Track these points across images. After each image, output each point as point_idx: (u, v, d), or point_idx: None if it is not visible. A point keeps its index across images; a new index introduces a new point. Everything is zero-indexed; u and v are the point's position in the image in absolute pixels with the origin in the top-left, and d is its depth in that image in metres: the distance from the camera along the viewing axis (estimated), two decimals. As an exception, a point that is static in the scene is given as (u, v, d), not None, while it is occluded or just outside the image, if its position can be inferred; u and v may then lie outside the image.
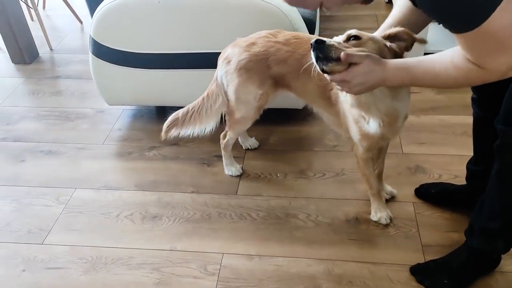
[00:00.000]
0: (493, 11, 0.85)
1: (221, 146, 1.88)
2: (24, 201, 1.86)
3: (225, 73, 1.66)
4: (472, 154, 1.58)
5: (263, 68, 1.60)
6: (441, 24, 0.96)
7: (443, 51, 1.07)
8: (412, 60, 1.13)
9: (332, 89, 1.51)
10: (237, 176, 1.92)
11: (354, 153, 1.59)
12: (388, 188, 1.76)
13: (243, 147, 2.05)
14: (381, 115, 1.33)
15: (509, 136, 1.15)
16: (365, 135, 1.45)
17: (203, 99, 1.76)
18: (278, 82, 1.64)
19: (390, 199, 1.74)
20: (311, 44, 1.13)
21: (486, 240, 1.35)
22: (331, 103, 1.54)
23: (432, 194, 1.73)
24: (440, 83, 1.12)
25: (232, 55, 1.64)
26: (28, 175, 2.00)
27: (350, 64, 1.13)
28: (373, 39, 1.21)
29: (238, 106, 1.70)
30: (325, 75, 1.18)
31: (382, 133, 1.40)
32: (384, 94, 1.27)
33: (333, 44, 1.13)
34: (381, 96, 1.27)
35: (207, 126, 1.79)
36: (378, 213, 1.65)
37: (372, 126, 1.38)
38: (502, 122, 1.15)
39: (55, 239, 1.69)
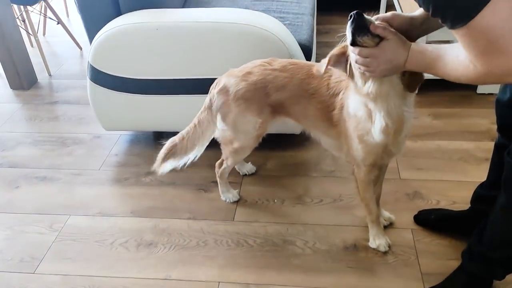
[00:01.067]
0: (484, 6, 0.83)
1: (216, 174, 1.87)
2: (17, 229, 1.83)
3: (222, 104, 1.65)
4: (472, 180, 1.57)
5: (261, 96, 1.60)
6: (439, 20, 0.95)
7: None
8: (430, 46, 1.14)
9: (333, 110, 1.51)
10: (234, 202, 1.90)
11: (355, 177, 1.58)
12: (386, 214, 1.74)
13: (240, 173, 2.04)
14: (388, 114, 1.32)
15: None
16: (369, 151, 1.44)
17: (195, 126, 1.75)
18: (277, 109, 1.64)
19: (388, 226, 1.72)
20: (351, 15, 1.15)
21: (486, 267, 1.33)
22: (332, 124, 1.54)
23: (431, 220, 1.71)
24: (448, 75, 1.10)
25: (228, 86, 1.63)
26: (22, 201, 1.98)
27: (379, 44, 1.15)
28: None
29: (237, 135, 1.69)
30: (354, 50, 1.20)
31: (386, 143, 1.39)
32: (396, 93, 1.28)
33: (371, 19, 1.17)
34: (394, 93, 1.28)
35: (198, 153, 1.78)
36: (377, 240, 1.63)
37: (378, 127, 1.36)
38: None
39: (47, 268, 1.66)
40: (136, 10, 2.00)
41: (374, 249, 1.63)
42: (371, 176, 1.55)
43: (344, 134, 1.51)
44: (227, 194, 1.90)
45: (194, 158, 1.79)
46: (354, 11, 1.16)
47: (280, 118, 1.69)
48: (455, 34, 0.94)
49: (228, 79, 1.64)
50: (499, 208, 1.23)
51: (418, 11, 1.27)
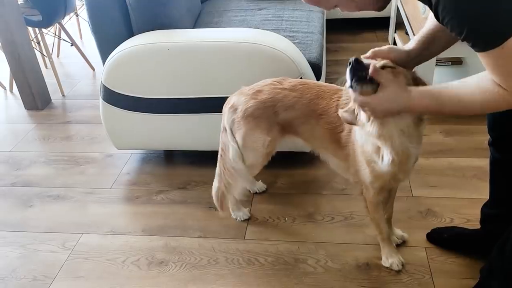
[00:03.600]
0: None
1: None
2: (31, 247, 1.85)
3: (232, 121, 1.66)
4: (486, 197, 1.55)
5: (270, 115, 1.61)
6: (464, 42, 0.96)
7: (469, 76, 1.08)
8: (436, 86, 1.14)
9: (341, 131, 1.52)
10: (245, 220, 1.89)
11: (364, 197, 1.57)
12: (399, 232, 1.72)
13: (251, 191, 2.04)
14: (394, 150, 1.31)
15: None
16: (377, 176, 1.44)
17: (221, 156, 1.75)
18: (286, 128, 1.65)
19: (401, 244, 1.70)
20: (350, 62, 1.17)
21: (507, 284, 1.30)
22: (340, 146, 1.54)
23: (445, 238, 1.69)
24: (465, 109, 1.10)
25: (238, 103, 1.64)
26: (35, 220, 1.99)
27: (377, 89, 1.16)
28: (404, 72, 1.24)
29: (247, 153, 1.70)
30: (353, 94, 1.21)
31: (393, 172, 1.38)
32: (402, 133, 1.27)
33: (370, 63, 1.18)
34: (398, 133, 1.27)
35: (247, 175, 1.76)
36: (390, 259, 1.61)
37: (385, 161, 1.36)
38: None
39: (60, 287, 1.66)
40: (148, 31, 2.05)
41: (387, 268, 1.61)
42: (380, 198, 1.54)
43: (352, 156, 1.51)
44: (237, 212, 1.90)
45: (251, 181, 1.85)
46: (353, 58, 1.17)
47: (289, 137, 1.69)
48: (484, 56, 0.95)
49: (238, 97, 1.66)
50: None
51: (412, 43, 1.29)
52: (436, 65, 2.47)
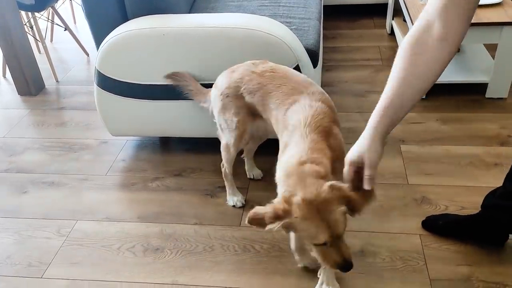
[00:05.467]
0: None
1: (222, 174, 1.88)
2: (25, 234, 1.84)
3: (213, 98, 1.71)
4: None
5: (238, 96, 1.60)
6: None
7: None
8: (378, 111, 1.07)
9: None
10: (240, 207, 1.89)
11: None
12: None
13: (247, 176, 2.04)
14: None
15: None
16: None
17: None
18: (254, 112, 1.61)
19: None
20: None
21: None
22: None
23: (440, 225, 1.69)
24: (418, 87, 1.04)
25: (217, 81, 1.70)
26: (30, 206, 1.98)
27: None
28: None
29: (222, 131, 1.72)
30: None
31: None
32: None
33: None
34: None
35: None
36: (234, 197, 1.86)
37: None
38: None
39: (54, 273, 1.66)
40: (142, 15, 2.02)
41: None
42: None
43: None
44: (232, 197, 1.90)
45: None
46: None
47: (260, 121, 1.64)
48: None
49: (221, 75, 1.69)
50: None
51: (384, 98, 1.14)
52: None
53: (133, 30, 1.91)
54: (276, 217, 1.11)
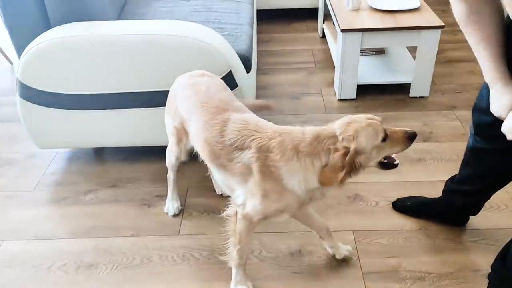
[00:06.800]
0: None
1: None
2: None
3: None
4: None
5: (174, 103, 1.60)
6: None
7: None
8: None
9: (231, 161, 1.37)
10: (178, 215, 1.87)
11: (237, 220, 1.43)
12: (343, 246, 1.66)
13: (217, 192, 1.97)
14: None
15: None
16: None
17: None
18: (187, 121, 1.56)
19: (332, 230, 1.77)
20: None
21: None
22: (223, 163, 1.40)
23: (408, 206, 1.82)
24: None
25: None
26: None
27: None
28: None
29: (167, 134, 1.72)
30: None
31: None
32: None
33: None
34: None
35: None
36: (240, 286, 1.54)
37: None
38: None
39: (-22, 300, 1.55)
40: (67, 22, 1.93)
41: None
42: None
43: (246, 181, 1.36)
44: (171, 202, 1.87)
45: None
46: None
47: None
48: None
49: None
50: None
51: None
52: (361, 55, 2.57)
53: (56, 38, 1.83)
54: (344, 155, 1.28)
